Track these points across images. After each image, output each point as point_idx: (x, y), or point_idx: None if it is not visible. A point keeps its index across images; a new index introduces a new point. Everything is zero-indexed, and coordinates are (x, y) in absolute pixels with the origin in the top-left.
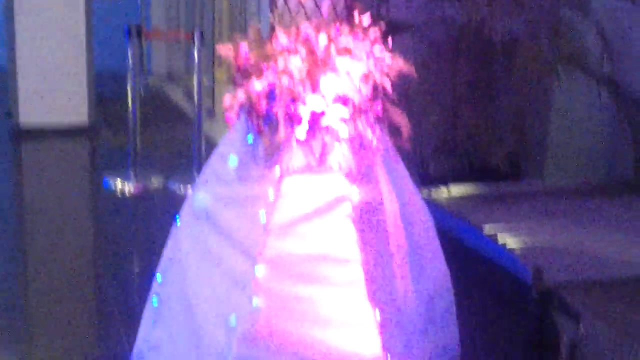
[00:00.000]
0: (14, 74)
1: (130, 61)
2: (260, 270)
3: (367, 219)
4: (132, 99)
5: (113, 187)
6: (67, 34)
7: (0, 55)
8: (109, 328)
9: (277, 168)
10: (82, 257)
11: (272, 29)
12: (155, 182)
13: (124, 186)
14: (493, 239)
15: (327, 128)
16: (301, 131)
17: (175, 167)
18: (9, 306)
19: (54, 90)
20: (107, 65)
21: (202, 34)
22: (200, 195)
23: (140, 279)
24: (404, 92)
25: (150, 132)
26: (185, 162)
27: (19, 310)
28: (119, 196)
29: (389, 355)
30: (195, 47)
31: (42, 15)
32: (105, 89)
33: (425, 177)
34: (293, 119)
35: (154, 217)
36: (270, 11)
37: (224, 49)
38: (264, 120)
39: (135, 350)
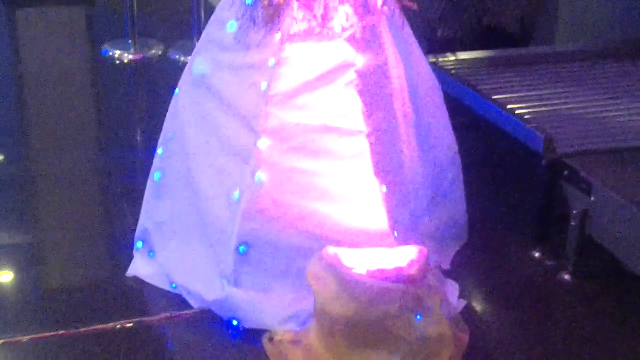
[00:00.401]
0: None
1: None
2: (263, 143)
3: (373, 86)
4: None
5: (111, 56)
6: None
7: None
8: (111, 202)
9: (277, 33)
10: (82, 127)
11: None
12: (155, 50)
13: (122, 55)
14: (502, 106)
15: None
16: None
17: (175, 34)
18: (12, 178)
19: None
20: None
21: None
22: (199, 63)
23: (141, 152)
24: None
25: None
26: (185, 28)
27: (21, 183)
28: (118, 65)
29: (395, 228)
30: None
31: None
32: None
33: (432, 42)
34: None
35: (154, 86)
36: None
37: None
38: None
39: (139, 226)
